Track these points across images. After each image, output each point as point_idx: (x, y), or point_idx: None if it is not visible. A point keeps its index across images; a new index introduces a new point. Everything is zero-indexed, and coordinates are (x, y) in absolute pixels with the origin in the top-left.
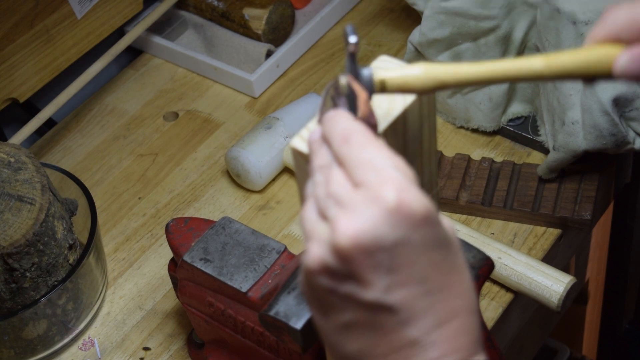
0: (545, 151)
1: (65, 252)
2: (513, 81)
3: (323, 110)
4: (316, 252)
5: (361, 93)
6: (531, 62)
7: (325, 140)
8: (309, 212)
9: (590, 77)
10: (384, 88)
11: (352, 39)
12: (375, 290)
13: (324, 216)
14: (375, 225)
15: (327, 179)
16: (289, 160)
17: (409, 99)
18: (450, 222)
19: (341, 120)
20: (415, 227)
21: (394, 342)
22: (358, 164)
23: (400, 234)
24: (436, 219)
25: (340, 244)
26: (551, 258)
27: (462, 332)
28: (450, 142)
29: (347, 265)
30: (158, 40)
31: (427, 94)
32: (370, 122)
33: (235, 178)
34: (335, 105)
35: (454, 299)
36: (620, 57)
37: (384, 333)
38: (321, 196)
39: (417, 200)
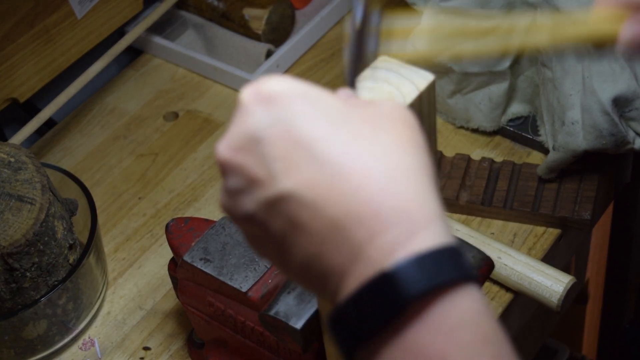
0: (545, 151)
1: (66, 252)
2: (521, 55)
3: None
4: (221, 190)
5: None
6: (537, 38)
7: None
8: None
9: (596, 47)
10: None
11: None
12: (270, 182)
13: None
14: (240, 124)
15: None
16: None
17: (409, 99)
18: (393, 103)
19: None
20: (286, 104)
21: (318, 232)
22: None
23: (268, 117)
24: (316, 93)
25: (219, 158)
26: (551, 258)
27: (390, 197)
28: (450, 142)
29: (236, 173)
30: (158, 40)
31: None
32: None
33: None
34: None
35: (365, 156)
36: (627, 28)
37: (306, 227)
38: None
39: (277, 83)
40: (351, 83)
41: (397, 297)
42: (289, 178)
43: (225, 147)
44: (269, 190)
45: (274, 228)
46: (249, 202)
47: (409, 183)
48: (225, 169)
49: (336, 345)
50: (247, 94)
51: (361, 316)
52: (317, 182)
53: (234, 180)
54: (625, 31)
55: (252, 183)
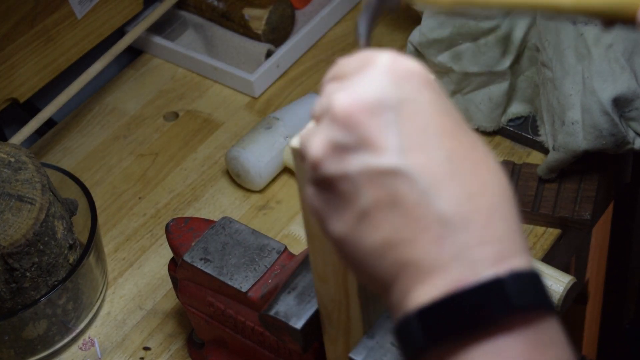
0: (545, 151)
1: (66, 252)
2: (538, 9)
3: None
4: (319, 139)
5: None
6: None
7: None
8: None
9: (612, 20)
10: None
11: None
12: (389, 153)
13: (324, 110)
14: (375, 86)
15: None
16: (289, 160)
17: None
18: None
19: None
20: (418, 88)
21: (420, 219)
22: (353, 57)
23: (403, 92)
24: (439, 87)
25: (343, 109)
26: (551, 258)
27: (499, 215)
28: None
29: (356, 130)
30: (158, 40)
31: (451, 10)
32: None
33: (235, 178)
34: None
35: (483, 171)
36: None
37: (407, 210)
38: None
39: (412, 63)
40: (366, 35)
41: (503, 304)
42: (410, 157)
43: (353, 99)
44: (383, 159)
45: (368, 197)
46: (354, 162)
47: (513, 212)
48: (344, 121)
49: (411, 343)
50: (387, 59)
51: (459, 314)
52: (437, 172)
53: (347, 136)
54: None
55: (366, 145)
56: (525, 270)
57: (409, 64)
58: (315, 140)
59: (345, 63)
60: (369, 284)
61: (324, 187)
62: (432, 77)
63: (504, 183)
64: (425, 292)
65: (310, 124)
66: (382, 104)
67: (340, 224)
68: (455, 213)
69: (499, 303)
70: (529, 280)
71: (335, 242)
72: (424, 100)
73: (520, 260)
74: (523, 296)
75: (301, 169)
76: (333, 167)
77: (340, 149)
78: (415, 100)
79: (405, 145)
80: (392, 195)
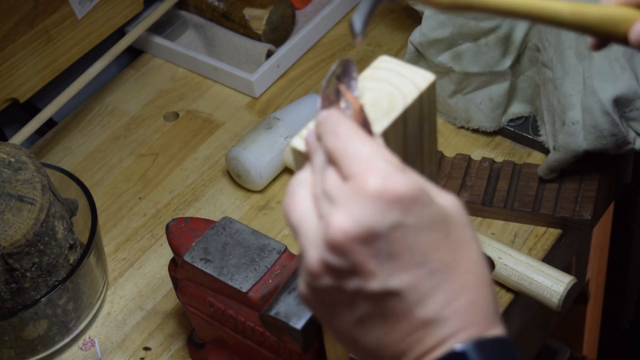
0: (546, 151)
1: (66, 252)
2: (536, 20)
3: (325, 92)
4: (314, 254)
5: (355, 103)
6: (558, 5)
7: (319, 139)
8: (299, 205)
9: (606, 36)
10: None
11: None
12: (379, 279)
13: (320, 216)
14: (366, 215)
15: (322, 178)
16: (290, 161)
17: (409, 99)
18: (452, 199)
19: (331, 117)
20: (406, 210)
21: (407, 325)
22: (345, 156)
23: (391, 219)
24: (428, 198)
25: (336, 239)
26: (551, 258)
27: (474, 307)
28: (451, 143)
29: (347, 258)
30: (158, 40)
31: (451, 11)
32: (365, 130)
33: (235, 178)
34: (339, 84)
35: (462, 275)
36: (637, 25)
37: (397, 319)
38: (319, 195)
39: (402, 183)
40: (362, 32)
41: None
42: (398, 278)
43: (347, 232)
44: (374, 284)
45: (362, 309)
46: (349, 284)
47: (488, 291)
48: (337, 249)
49: None
50: (376, 185)
51: None
52: (420, 287)
53: (341, 261)
54: (635, 31)
55: (359, 272)
56: (491, 337)
57: (397, 188)
58: (313, 254)
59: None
60: None
61: (320, 291)
62: (418, 189)
63: (481, 275)
64: None
65: (312, 124)
66: (372, 233)
67: (335, 324)
68: (437, 316)
69: None
70: (495, 345)
71: (337, 337)
72: (411, 221)
73: (497, 332)
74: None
75: (301, 169)
76: (328, 281)
77: (334, 270)
78: (403, 223)
79: (394, 268)
80: (383, 308)
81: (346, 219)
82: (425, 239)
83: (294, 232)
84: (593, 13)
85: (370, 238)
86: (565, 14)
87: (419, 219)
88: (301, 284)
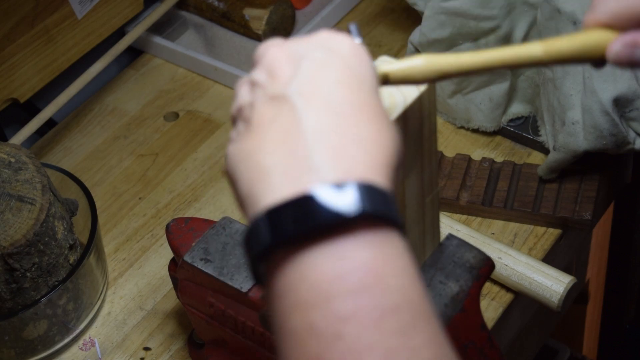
0: (546, 151)
1: (66, 252)
2: (514, 68)
3: None
4: (244, 81)
5: None
6: (530, 48)
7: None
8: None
9: (585, 62)
10: (387, 81)
11: (357, 41)
12: (284, 82)
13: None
14: (302, 44)
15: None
16: None
17: (409, 99)
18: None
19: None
20: (340, 55)
21: (285, 131)
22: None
23: (322, 53)
24: (364, 61)
25: (268, 56)
26: (551, 258)
27: (366, 148)
28: (451, 143)
29: (268, 68)
30: (158, 40)
31: (430, 83)
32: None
33: None
34: None
35: (365, 121)
36: (613, 45)
37: (280, 127)
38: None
39: (348, 40)
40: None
41: (350, 208)
42: (298, 88)
43: (281, 49)
44: (277, 86)
45: (256, 114)
46: (259, 93)
47: (382, 152)
48: (266, 64)
49: (247, 252)
50: (324, 33)
51: (298, 217)
52: (317, 102)
53: (262, 74)
54: (611, 51)
55: (271, 76)
56: (374, 185)
57: (342, 39)
58: (243, 81)
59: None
60: (236, 196)
61: (235, 119)
62: (360, 51)
63: (382, 133)
64: (275, 196)
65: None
66: (300, 54)
67: (233, 145)
68: (317, 130)
69: (343, 207)
70: (377, 194)
71: (227, 162)
72: (338, 62)
73: (374, 179)
74: (369, 204)
75: None
76: (246, 98)
77: (254, 84)
78: (331, 60)
79: (301, 80)
80: (274, 114)
81: (284, 46)
82: (339, 78)
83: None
84: (567, 46)
85: (296, 55)
86: (540, 55)
87: (348, 65)
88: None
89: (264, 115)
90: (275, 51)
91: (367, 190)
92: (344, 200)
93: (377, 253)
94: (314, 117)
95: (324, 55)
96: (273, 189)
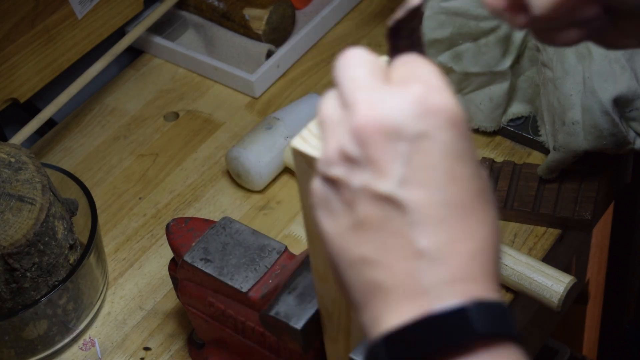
0: (546, 151)
1: (66, 252)
2: None
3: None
4: (334, 140)
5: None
6: None
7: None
8: (330, 100)
9: None
10: None
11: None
12: (390, 181)
13: (346, 105)
14: (399, 111)
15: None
16: (290, 161)
17: None
18: (483, 170)
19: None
20: (441, 126)
21: (400, 248)
22: (399, 63)
23: (423, 127)
24: (466, 127)
25: (361, 124)
26: (551, 258)
27: (478, 260)
28: None
29: (366, 149)
30: (158, 40)
31: None
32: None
33: (235, 178)
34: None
35: (475, 223)
36: None
37: (391, 236)
38: (346, 89)
39: (445, 99)
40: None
41: (467, 330)
42: (408, 190)
43: (373, 118)
44: (383, 184)
45: (362, 211)
46: (358, 177)
47: (491, 258)
48: (358, 135)
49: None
50: (420, 89)
51: (426, 340)
52: (428, 211)
53: (358, 150)
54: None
55: (372, 166)
56: (491, 302)
57: (440, 100)
58: (331, 140)
59: (393, 65)
60: (345, 296)
61: (328, 183)
62: (461, 116)
63: (495, 236)
64: (393, 319)
65: (312, 124)
66: (399, 132)
67: (333, 224)
68: (433, 250)
69: (460, 330)
70: (494, 311)
71: (325, 239)
72: (442, 140)
73: (489, 295)
74: (485, 324)
75: (302, 169)
76: (339, 171)
77: (349, 159)
78: (434, 138)
79: (408, 177)
80: (383, 218)
81: (378, 108)
82: (449, 167)
83: (321, 129)
84: None
85: (394, 134)
86: None
87: (450, 141)
88: (314, 179)
89: (372, 214)
90: (369, 121)
91: (487, 310)
92: (464, 323)
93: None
94: (429, 232)
95: (427, 134)
96: (392, 313)
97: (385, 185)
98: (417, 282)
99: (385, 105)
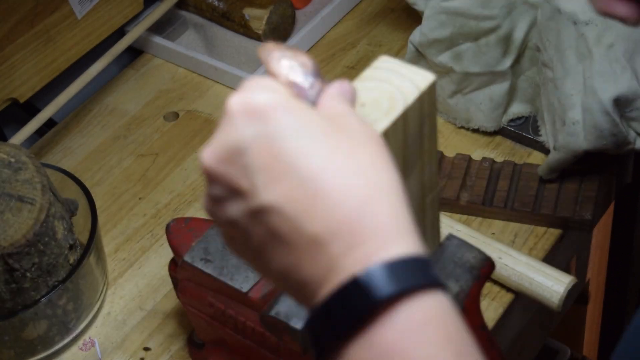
0: (546, 151)
1: (66, 252)
2: None
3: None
4: (205, 195)
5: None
6: None
7: None
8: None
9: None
10: None
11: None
12: (254, 195)
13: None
14: (223, 135)
15: None
16: None
17: (409, 99)
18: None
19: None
20: (266, 118)
21: (297, 245)
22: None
23: (249, 131)
24: (291, 103)
25: (204, 166)
26: (552, 258)
27: (368, 214)
28: (451, 142)
29: (221, 182)
30: (158, 40)
31: None
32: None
33: None
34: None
35: (345, 179)
36: None
37: (286, 239)
38: None
39: (261, 95)
40: None
41: (366, 299)
42: (271, 191)
43: (210, 156)
44: (251, 201)
45: (255, 236)
46: (233, 210)
47: (383, 200)
48: (209, 177)
49: (311, 348)
50: (235, 104)
51: (332, 319)
52: (297, 197)
53: (218, 189)
54: None
55: (235, 193)
56: (394, 259)
57: (256, 99)
58: (204, 197)
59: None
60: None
61: (224, 229)
62: (285, 98)
63: (371, 172)
64: (312, 306)
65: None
66: (235, 149)
67: (245, 256)
68: (322, 231)
69: (361, 299)
70: (400, 267)
71: (260, 274)
72: (276, 128)
73: (395, 249)
74: (385, 287)
75: None
76: (220, 216)
77: (218, 200)
78: (268, 131)
79: (264, 181)
80: (271, 230)
81: (209, 146)
82: (290, 147)
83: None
84: None
85: (231, 155)
86: None
87: (282, 125)
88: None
89: (262, 233)
90: (206, 158)
91: (389, 270)
92: (361, 293)
93: (405, 328)
94: (309, 216)
95: (257, 134)
96: (312, 302)
97: (253, 200)
98: (321, 266)
99: (215, 136)
